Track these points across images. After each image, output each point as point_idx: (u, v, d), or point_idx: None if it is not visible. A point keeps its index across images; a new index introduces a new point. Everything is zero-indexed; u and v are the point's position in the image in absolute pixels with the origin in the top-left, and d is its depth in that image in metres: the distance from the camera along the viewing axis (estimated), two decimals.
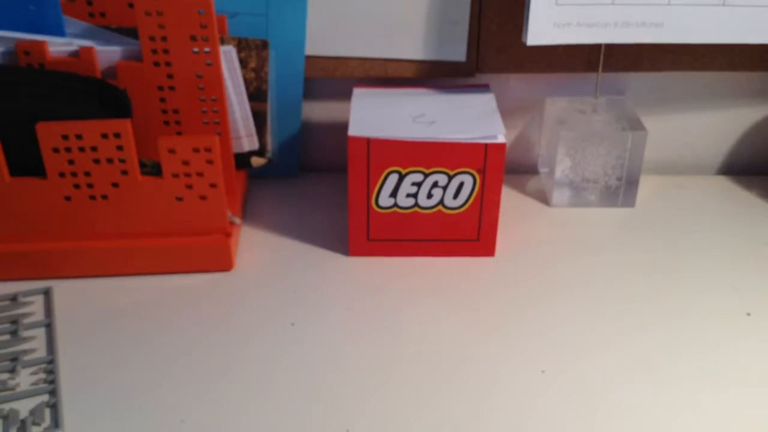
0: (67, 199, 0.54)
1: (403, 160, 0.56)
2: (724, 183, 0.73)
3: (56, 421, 0.44)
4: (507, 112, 0.71)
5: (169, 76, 0.57)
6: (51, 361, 0.49)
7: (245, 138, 0.63)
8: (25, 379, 0.48)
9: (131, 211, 0.55)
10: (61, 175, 0.53)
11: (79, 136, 0.52)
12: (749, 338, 0.51)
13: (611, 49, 0.67)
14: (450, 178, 0.57)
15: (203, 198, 0.55)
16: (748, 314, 0.54)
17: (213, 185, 0.55)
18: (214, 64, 0.56)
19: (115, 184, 0.54)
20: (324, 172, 0.72)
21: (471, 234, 0.59)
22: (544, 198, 0.69)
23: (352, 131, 0.56)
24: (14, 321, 0.52)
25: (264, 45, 0.62)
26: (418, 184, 0.57)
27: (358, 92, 0.64)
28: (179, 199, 0.55)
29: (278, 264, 0.59)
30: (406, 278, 0.58)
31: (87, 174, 0.53)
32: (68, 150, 0.52)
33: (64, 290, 0.56)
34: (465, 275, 0.58)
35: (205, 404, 0.46)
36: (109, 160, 0.53)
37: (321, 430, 0.44)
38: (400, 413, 0.45)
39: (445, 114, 0.59)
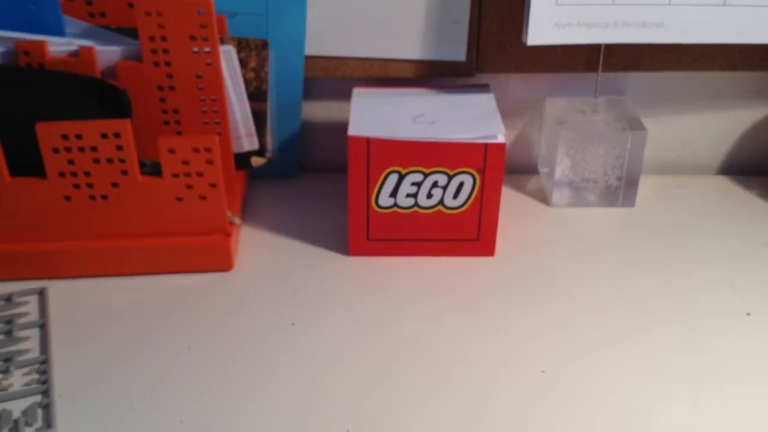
0: (67, 199, 0.54)
1: (403, 160, 0.56)
2: (724, 183, 0.73)
3: (48, 422, 0.44)
4: (507, 112, 0.71)
5: (169, 76, 0.56)
6: (44, 362, 0.49)
7: (245, 138, 0.63)
8: (18, 379, 0.48)
9: (131, 211, 0.55)
10: (61, 175, 0.53)
11: (78, 136, 0.52)
12: (749, 338, 0.51)
13: (611, 49, 0.67)
14: (450, 178, 0.57)
15: (203, 198, 0.55)
16: (748, 314, 0.54)
17: (213, 185, 0.55)
18: (213, 64, 0.56)
19: (114, 184, 0.54)
20: (324, 172, 0.72)
21: (471, 234, 0.59)
22: (544, 198, 0.69)
23: (352, 131, 0.56)
24: (8, 321, 0.52)
25: (264, 45, 0.62)
26: (418, 184, 0.57)
27: (357, 92, 0.64)
28: (179, 199, 0.55)
29: (278, 264, 0.59)
30: (406, 278, 0.58)
31: (87, 174, 0.53)
32: (68, 150, 0.52)
33: (62, 290, 0.56)
34: (465, 275, 0.58)
35: (204, 404, 0.46)
36: (109, 160, 0.53)
37: (321, 430, 0.44)
38: (400, 413, 0.45)
39: (445, 114, 0.59)
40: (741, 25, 0.60)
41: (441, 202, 0.58)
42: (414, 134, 0.56)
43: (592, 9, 0.59)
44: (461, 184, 0.57)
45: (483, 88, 0.65)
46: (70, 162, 0.53)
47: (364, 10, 0.65)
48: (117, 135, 0.52)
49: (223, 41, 0.60)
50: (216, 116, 0.59)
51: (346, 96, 0.64)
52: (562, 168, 0.66)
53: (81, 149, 0.52)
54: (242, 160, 0.64)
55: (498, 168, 0.56)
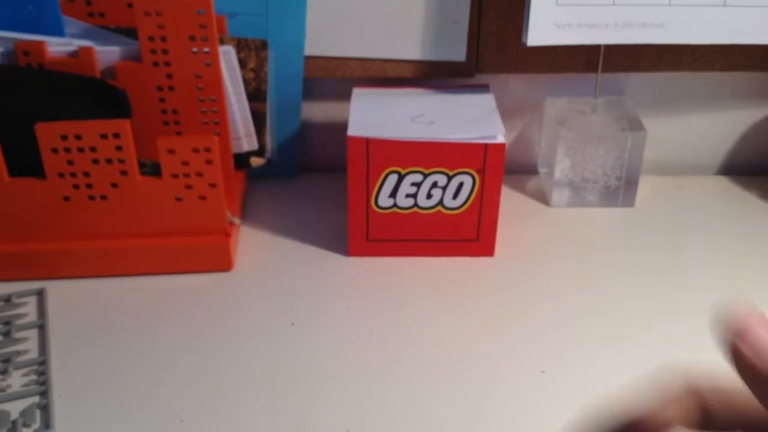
0: (66, 199, 0.54)
1: (403, 161, 0.56)
2: (724, 183, 0.73)
3: (47, 423, 0.44)
4: (507, 112, 0.71)
5: (169, 76, 0.56)
6: (43, 363, 0.49)
7: (244, 138, 0.63)
8: (16, 380, 0.48)
9: (130, 212, 0.55)
10: (60, 175, 0.53)
11: (78, 137, 0.52)
12: None
13: (611, 49, 0.67)
14: (449, 178, 0.57)
15: (202, 198, 0.55)
16: None
17: (212, 185, 0.55)
18: (213, 65, 0.56)
19: (114, 185, 0.54)
20: (323, 172, 0.72)
21: (470, 234, 0.59)
22: (543, 198, 0.69)
23: (352, 131, 0.56)
24: (7, 322, 0.52)
25: (263, 45, 0.62)
26: (418, 185, 0.57)
27: (357, 92, 0.64)
28: (178, 199, 0.55)
29: (278, 264, 0.59)
30: (406, 278, 0.58)
31: (86, 174, 0.53)
32: (67, 150, 0.52)
33: (61, 291, 0.56)
34: (464, 275, 0.58)
35: (204, 404, 0.46)
36: (109, 161, 0.53)
37: (321, 430, 0.44)
38: (400, 413, 0.45)
39: (445, 114, 0.59)
40: (741, 25, 0.60)
41: (440, 202, 0.58)
42: (414, 134, 0.56)
43: (592, 9, 0.59)
44: (461, 185, 0.57)
45: (483, 88, 0.65)
46: (70, 162, 0.53)
47: (364, 10, 0.65)
48: (116, 135, 0.52)
49: (222, 41, 0.60)
50: (215, 116, 0.59)
51: (346, 96, 0.64)
52: (561, 168, 0.66)
53: (80, 149, 0.52)
54: (241, 160, 0.64)
55: (498, 168, 0.56)
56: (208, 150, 0.53)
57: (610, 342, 0.51)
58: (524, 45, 0.61)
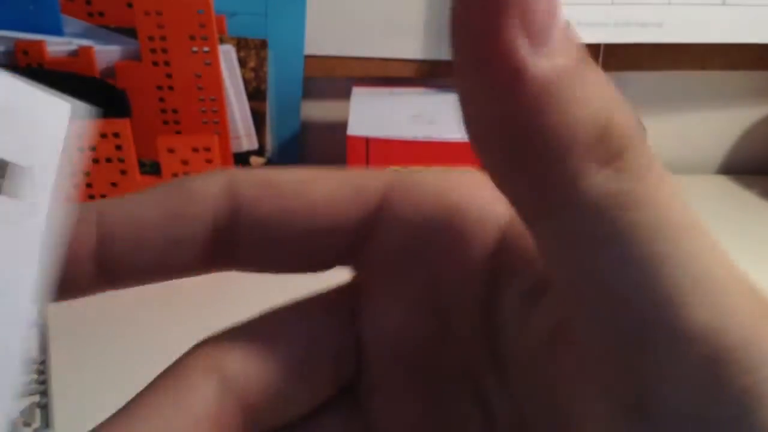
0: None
1: (403, 160, 0.56)
2: (724, 183, 0.73)
3: (47, 422, 0.44)
4: None
5: (168, 76, 0.56)
6: (43, 362, 0.49)
7: (244, 137, 0.63)
8: None
9: None
10: None
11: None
12: None
13: (611, 49, 0.67)
14: None
15: None
16: None
17: None
18: (213, 64, 0.56)
19: (114, 184, 0.54)
20: None
21: None
22: None
23: (352, 131, 0.56)
24: None
25: (263, 45, 0.62)
26: None
27: (357, 92, 0.64)
28: None
29: None
30: None
31: (86, 174, 0.53)
32: None
33: None
34: None
35: None
36: (108, 160, 0.53)
37: None
38: None
39: (445, 113, 0.59)
40: (741, 25, 0.60)
41: None
42: (413, 134, 0.56)
43: (591, 9, 0.59)
44: None
45: None
46: None
47: (363, 10, 0.65)
48: (116, 135, 0.52)
49: (222, 41, 0.60)
50: (215, 116, 0.59)
51: (346, 96, 0.64)
52: None
53: (80, 149, 0.52)
54: (241, 159, 0.64)
55: None
56: (207, 149, 0.53)
57: None
58: None
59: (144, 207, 0.15)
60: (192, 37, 0.55)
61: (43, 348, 0.50)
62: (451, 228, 0.14)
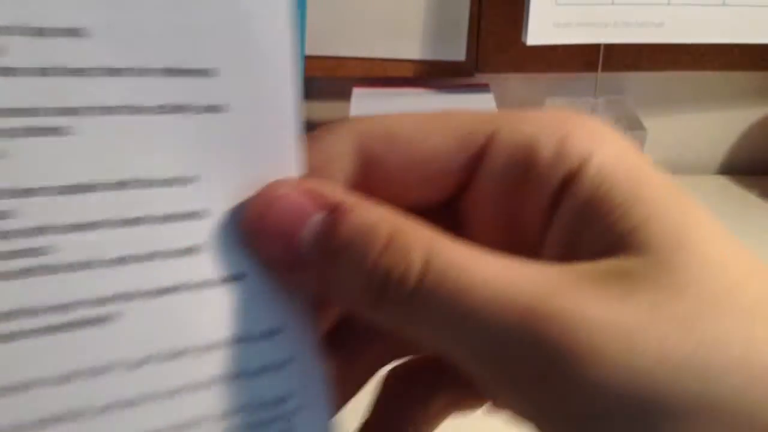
0: None
1: None
2: (724, 183, 0.73)
3: None
4: None
5: None
6: None
7: None
8: None
9: None
10: None
11: None
12: None
13: (611, 49, 0.67)
14: None
15: None
16: None
17: None
18: None
19: None
20: None
21: None
22: None
23: None
24: None
25: None
26: None
27: (357, 92, 0.64)
28: None
29: None
30: None
31: None
32: None
33: None
34: None
35: None
36: None
37: None
38: None
39: None
40: (741, 25, 0.60)
41: None
42: None
43: (592, 9, 0.59)
44: None
45: (483, 88, 0.65)
46: None
47: (364, 10, 0.65)
48: None
49: None
50: None
51: (346, 96, 0.64)
52: None
53: None
54: None
55: None
56: None
57: None
58: (524, 45, 0.61)
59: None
60: None
61: None
62: (529, 166, 0.18)
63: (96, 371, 0.17)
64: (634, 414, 0.14)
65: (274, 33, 0.18)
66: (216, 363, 0.18)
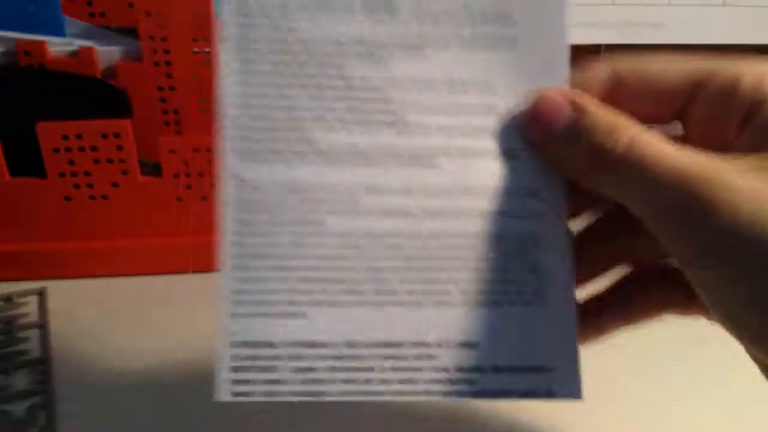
0: (67, 199, 0.54)
1: None
2: None
3: (49, 421, 0.44)
4: None
5: (169, 76, 0.57)
6: (44, 362, 0.49)
7: None
8: (18, 379, 0.48)
9: (131, 211, 0.55)
10: (61, 175, 0.53)
11: (79, 136, 0.52)
12: None
13: (611, 49, 0.67)
14: None
15: (203, 198, 0.55)
16: None
17: (214, 185, 0.55)
18: (214, 65, 0.56)
19: (115, 184, 0.54)
20: None
21: None
22: None
23: None
24: (8, 322, 0.52)
25: None
26: None
27: None
28: (179, 199, 0.55)
29: None
30: None
31: (87, 174, 0.53)
32: (68, 150, 0.52)
33: (62, 291, 0.56)
34: None
35: (203, 404, 0.46)
36: (110, 160, 0.53)
37: (320, 431, 0.44)
38: (400, 412, 0.45)
39: None
40: (741, 25, 0.60)
41: None
42: None
43: (592, 9, 0.59)
44: None
45: None
46: (71, 162, 0.53)
47: None
48: (117, 135, 0.52)
49: None
50: (216, 116, 0.59)
51: None
52: None
53: (81, 149, 0.52)
54: None
55: None
56: (209, 150, 0.53)
57: (611, 342, 0.51)
58: None
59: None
60: (194, 38, 0.55)
61: (45, 348, 0.50)
62: (733, 93, 0.29)
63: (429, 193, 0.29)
64: (754, 253, 0.22)
65: None
66: (494, 202, 0.29)
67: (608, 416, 0.45)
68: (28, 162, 0.53)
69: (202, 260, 0.58)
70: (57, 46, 0.55)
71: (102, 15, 0.59)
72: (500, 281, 0.29)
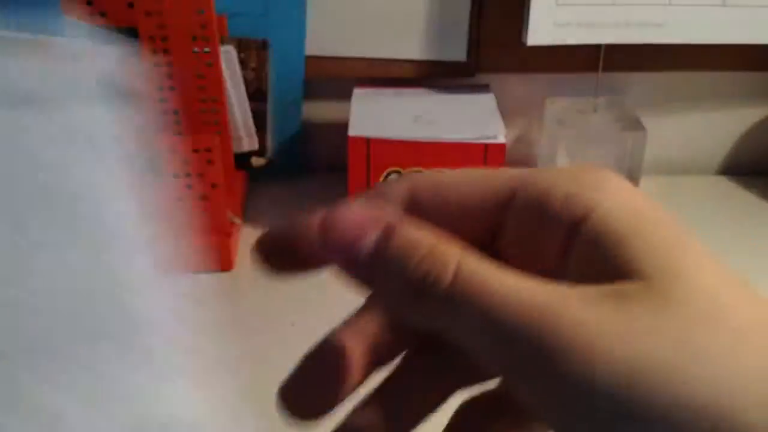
0: None
1: (403, 160, 0.56)
2: (724, 183, 0.73)
3: None
4: (507, 112, 0.71)
5: (169, 76, 0.57)
6: None
7: (245, 138, 0.63)
8: None
9: None
10: None
11: None
12: None
13: (611, 49, 0.67)
14: None
15: (203, 198, 0.55)
16: None
17: (213, 185, 0.55)
18: (214, 65, 0.56)
19: None
20: (324, 172, 0.72)
21: None
22: None
23: (352, 131, 0.56)
24: None
25: (264, 45, 0.62)
26: None
27: (358, 92, 0.64)
28: (179, 199, 0.55)
29: None
30: None
31: None
32: None
33: None
34: None
35: (202, 405, 0.46)
36: None
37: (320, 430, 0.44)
38: None
39: (445, 114, 0.60)
40: (741, 25, 0.60)
41: None
42: (414, 134, 0.56)
43: (592, 9, 0.59)
44: None
45: (483, 88, 0.65)
46: None
47: (364, 10, 0.65)
48: None
49: (223, 42, 0.60)
50: (216, 116, 0.59)
51: (347, 96, 0.64)
52: None
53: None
54: (242, 160, 0.64)
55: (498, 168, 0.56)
56: (208, 150, 0.53)
57: None
58: (524, 45, 0.61)
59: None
60: (193, 38, 0.55)
61: None
62: (544, 214, 0.21)
63: None
64: (613, 409, 0.17)
65: None
66: None
67: None
68: None
69: (201, 260, 0.58)
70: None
71: (102, 15, 0.59)
72: None
